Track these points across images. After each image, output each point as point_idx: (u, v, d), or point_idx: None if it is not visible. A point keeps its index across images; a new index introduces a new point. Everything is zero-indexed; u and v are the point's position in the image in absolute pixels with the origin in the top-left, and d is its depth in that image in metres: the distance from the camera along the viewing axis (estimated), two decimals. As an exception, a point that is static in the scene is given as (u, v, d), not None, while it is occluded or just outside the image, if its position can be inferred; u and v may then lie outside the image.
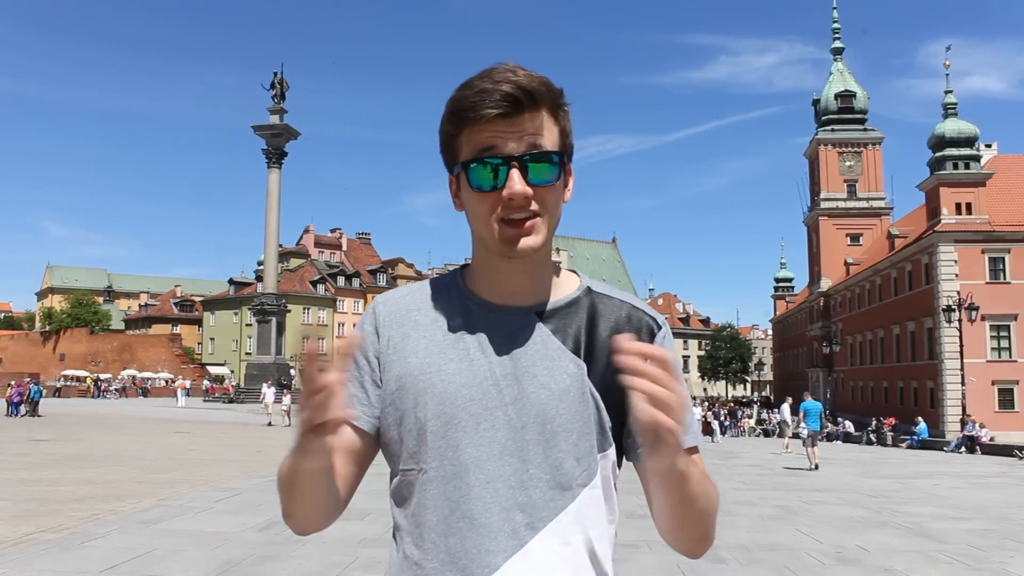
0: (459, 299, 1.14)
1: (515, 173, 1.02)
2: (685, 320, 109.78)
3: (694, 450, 1.09)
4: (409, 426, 1.07)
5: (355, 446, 1.11)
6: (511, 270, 1.10)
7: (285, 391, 28.39)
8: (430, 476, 1.05)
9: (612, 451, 1.10)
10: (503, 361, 1.08)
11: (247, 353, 62.96)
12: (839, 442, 35.38)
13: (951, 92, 46.60)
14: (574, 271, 1.20)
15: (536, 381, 1.06)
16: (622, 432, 1.11)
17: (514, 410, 1.05)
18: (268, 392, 28.93)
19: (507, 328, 1.10)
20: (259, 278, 62.48)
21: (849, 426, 39.45)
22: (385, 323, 1.14)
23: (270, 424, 26.36)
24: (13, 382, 32.61)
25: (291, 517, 1.10)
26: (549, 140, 1.05)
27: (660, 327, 1.15)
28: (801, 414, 17.62)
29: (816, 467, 16.25)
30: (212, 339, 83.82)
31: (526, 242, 1.04)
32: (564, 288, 1.15)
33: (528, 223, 1.04)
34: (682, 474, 0.98)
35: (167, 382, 63.27)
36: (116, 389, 57.46)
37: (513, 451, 1.04)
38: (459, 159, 1.06)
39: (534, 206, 1.04)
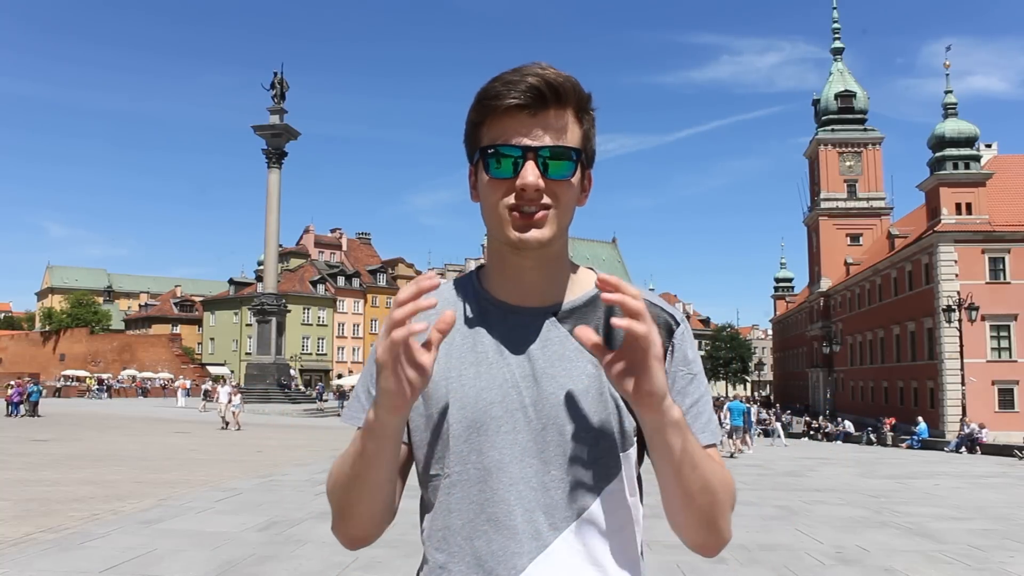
0: (476, 300, 1.14)
1: (530, 164, 1.01)
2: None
3: (711, 447, 1.10)
4: (434, 431, 1.09)
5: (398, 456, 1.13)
6: (523, 266, 1.08)
7: (235, 392, 27.57)
8: (454, 480, 1.07)
9: (633, 450, 1.10)
10: (521, 363, 1.07)
11: (247, 353, 62.94)
12: (839, 442, 35.36)
13: (951, 92, 46.68)
14: (592, 268, 1.18)
15: (555, 382, 1.06)
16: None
17: (534, 412, 1.06)
18: (222, 392, 27.63)
19: (524, 329, 1.09)
20: (259, 278, 62.50)
21: (849, 426, 39.44)
22: None
23: (225, 427, 24.97)
24: (13, 382, 32.61)
25: (348, 520, 1.09)
26: (571, 138, 1.05)
27: (679, 324, 1.13)
28: (727, 412, 20.72)
29: (732, 455, 18.98)
30: (212, 339, 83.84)
31: (535, 233, 1.03)
32: (581, 286, 1.14)
33: (538, 215, 1.03)
34: (676, 423, 0.96)
35: (166, 383, 63.03)
36: (97, 388, 55.69)
37: (534, 453, 1.05)
38: (480, 147, 1.06)
39: (546, 200, 1.03)
